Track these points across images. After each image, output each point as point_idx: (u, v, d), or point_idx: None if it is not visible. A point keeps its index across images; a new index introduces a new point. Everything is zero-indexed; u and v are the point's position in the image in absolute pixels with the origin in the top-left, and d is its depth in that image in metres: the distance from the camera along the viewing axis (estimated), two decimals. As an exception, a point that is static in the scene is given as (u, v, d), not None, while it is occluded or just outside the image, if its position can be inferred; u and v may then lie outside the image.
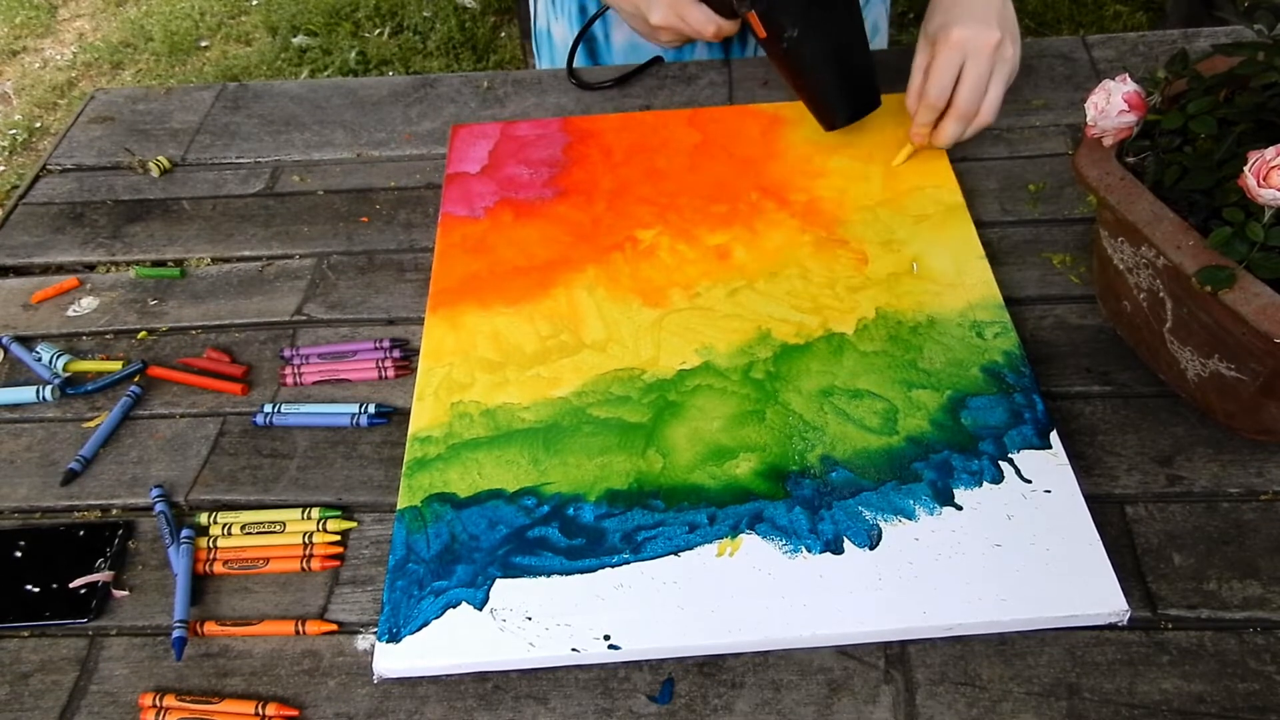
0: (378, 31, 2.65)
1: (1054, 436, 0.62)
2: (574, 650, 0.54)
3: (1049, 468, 0.60)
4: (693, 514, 0.60)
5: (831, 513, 0.59)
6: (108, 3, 2.95)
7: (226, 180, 0.90)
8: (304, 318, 0.77)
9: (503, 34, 2.62)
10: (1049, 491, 0.59)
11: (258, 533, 0.62)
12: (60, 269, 0.83)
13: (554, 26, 1.04)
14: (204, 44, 2.74)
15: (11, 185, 2.34)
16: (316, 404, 0.69)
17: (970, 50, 0.76)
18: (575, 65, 0.98)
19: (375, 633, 0.57)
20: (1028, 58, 0.92)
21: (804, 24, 0.76)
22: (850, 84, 0.80)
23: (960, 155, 0.84)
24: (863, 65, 0.80)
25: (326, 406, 0.69)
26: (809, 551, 0.57)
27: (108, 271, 0.82)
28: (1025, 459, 0.61)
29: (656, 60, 0.97)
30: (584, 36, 1.01)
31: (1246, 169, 0.50)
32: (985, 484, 0.60)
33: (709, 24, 0.82)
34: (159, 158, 0.91)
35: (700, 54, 1.01)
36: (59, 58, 2.75)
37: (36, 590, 0.61)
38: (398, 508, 0.62)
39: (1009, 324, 0.69)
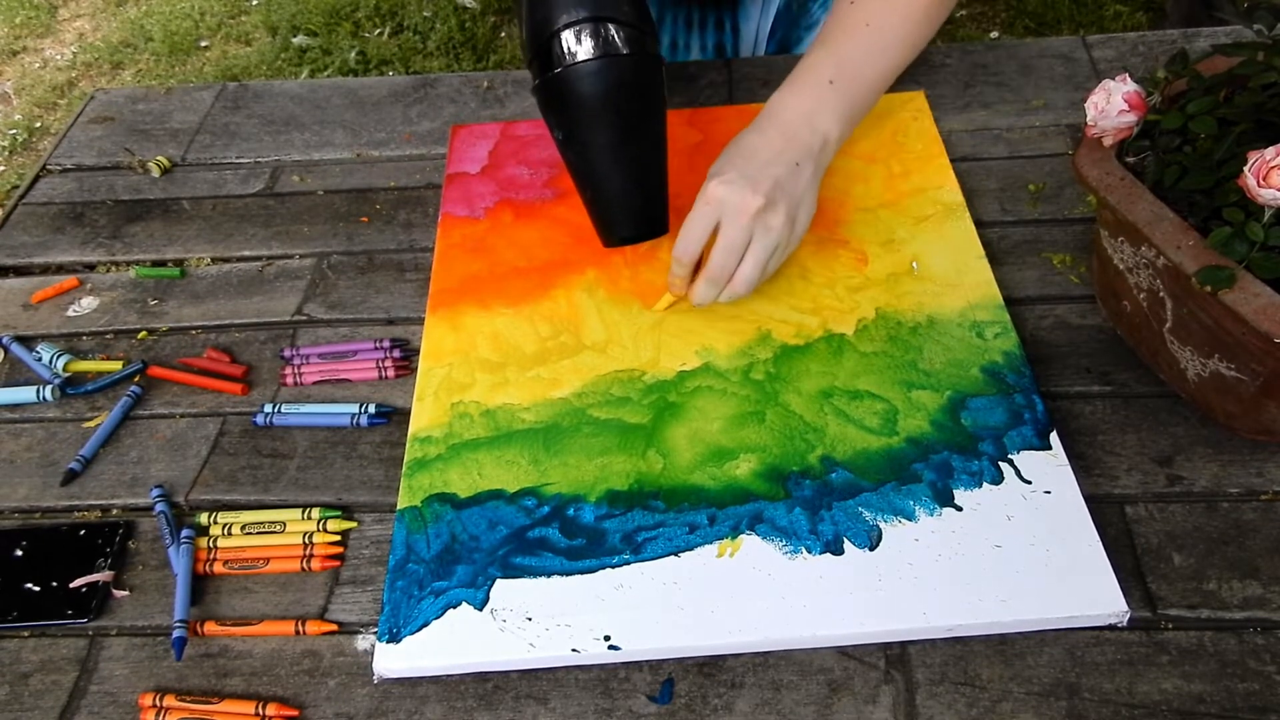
0: (378, 31, 2.65)
1: (1054, 437, 0.62)
2: (574, 650, 0.54)
3: (1049, 468, 0.60)
4: (693, 515, 0.60)
5: (831, 513, 0.59)
6: (108, 3, 2.95)
7: (226, 180, 0.90)
8: (304, 318, 0.77)
9: (503, 34, 2.62)
10: (1049, 492, 0.59)
11: (258, 533, 0.62)
12: (60, 269, 0.83)
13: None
14: (204, 44, 2.74)
15: (11, 185, 2.34)
16: (316, 404, 0.69)
17: (726, 211, 0.65)
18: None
19: (375, 633, 0.57)
20: (1028, 57, 0.92)
21: (567, 131, 0.69)
22: (618, 205, 0.71)
23: (960, 155, 0.84)
24: (634, 189, 0.71)
25: (326, 406, 0.69)
26: (809, 552, 0.57)
27: (108, 271, 0.82)
28: (1025, 460, 0.61)
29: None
30: None
31: (1246, 169, 0.50)
32: (985, 485, 0.60)
33: None
34: (159, 158, 0.91)
35: (694, 55, 1.01)
36: (59, 58, 2.75)
37: (36, 590, 0.61)
38: (398, 508, 0.62)
39: (1009, 324, 0.69)
